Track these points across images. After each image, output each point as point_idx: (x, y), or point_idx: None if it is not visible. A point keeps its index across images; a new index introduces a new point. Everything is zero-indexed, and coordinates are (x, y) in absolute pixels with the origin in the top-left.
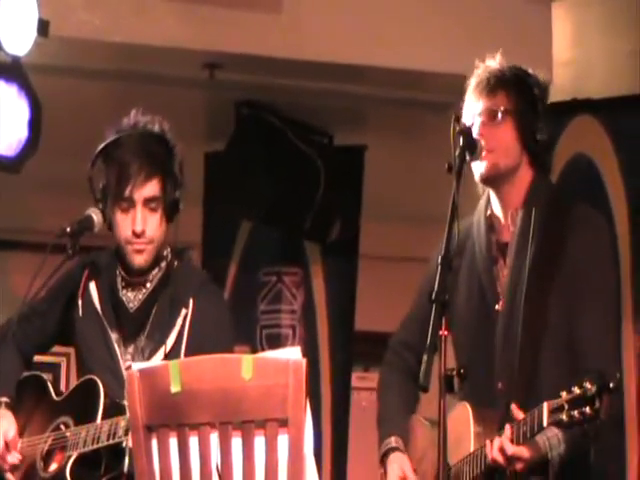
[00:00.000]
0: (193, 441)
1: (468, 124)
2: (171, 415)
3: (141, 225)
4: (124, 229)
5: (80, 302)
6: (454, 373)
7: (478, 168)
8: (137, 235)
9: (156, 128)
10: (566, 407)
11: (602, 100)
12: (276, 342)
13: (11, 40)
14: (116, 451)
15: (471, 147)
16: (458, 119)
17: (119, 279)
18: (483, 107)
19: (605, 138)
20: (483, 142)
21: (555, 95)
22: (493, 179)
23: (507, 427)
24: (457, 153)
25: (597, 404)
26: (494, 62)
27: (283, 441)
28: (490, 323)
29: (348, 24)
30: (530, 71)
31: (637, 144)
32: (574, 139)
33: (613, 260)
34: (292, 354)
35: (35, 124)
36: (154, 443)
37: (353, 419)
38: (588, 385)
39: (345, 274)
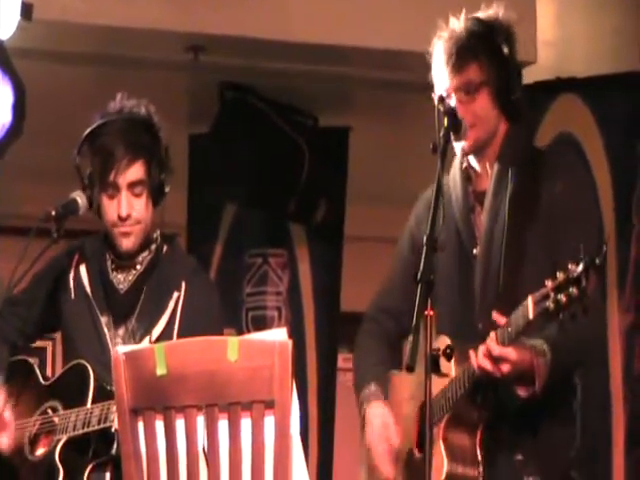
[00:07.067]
0: (179, 424)
1: (440, 94)
2: (157, 398)
3: (126, 210)
4: (110, 214)
5: (72, 285)
6: (440, 353)
7: (461, 145)
8: (122, 219)
9: (142, 112)
10: (552, 295)
11: (586, 79)
12: (262, 324)
13: None
14: (105, 436)
15: (456, 127)
16: (442, 99)
17: (109, 262)
18: (456, 84)
19: (589, 116)
20: (463, 120)
21: (539, 74)
22: (477, 151)
23: (491, 333)
24: (442, 133)
25: (584, 282)
26: (458, 24)
27: (269, 423)
28: (469, 268)
29: (332, 5)
30: (493, 21)
31: (620, 122)
32: (559, 118)
33: (592, 192)
34: (278, 335)
35: (19, 109)
36: (140, 426)
37: (339, 400)
38: (572, 266)
39: (330, 255)
